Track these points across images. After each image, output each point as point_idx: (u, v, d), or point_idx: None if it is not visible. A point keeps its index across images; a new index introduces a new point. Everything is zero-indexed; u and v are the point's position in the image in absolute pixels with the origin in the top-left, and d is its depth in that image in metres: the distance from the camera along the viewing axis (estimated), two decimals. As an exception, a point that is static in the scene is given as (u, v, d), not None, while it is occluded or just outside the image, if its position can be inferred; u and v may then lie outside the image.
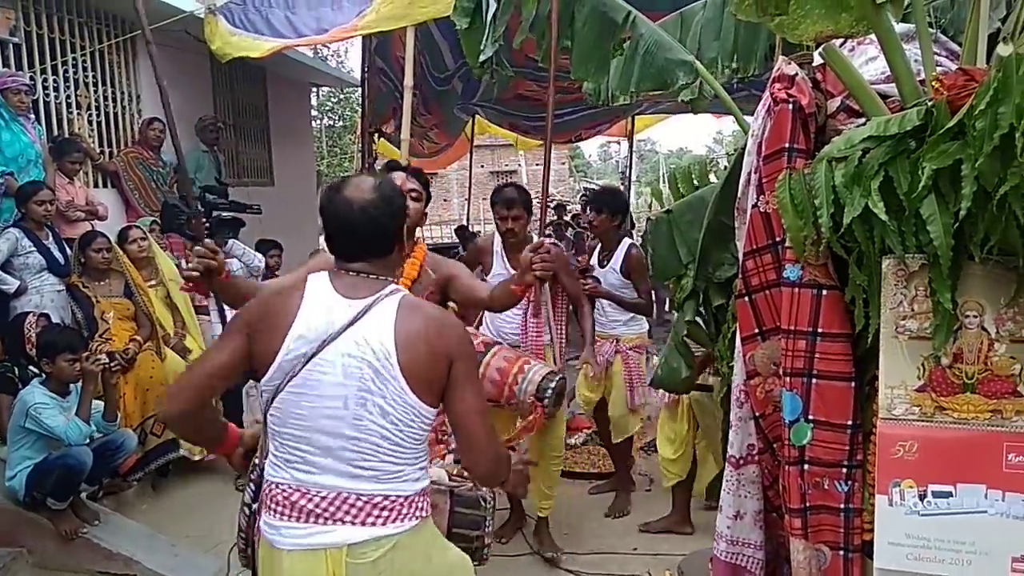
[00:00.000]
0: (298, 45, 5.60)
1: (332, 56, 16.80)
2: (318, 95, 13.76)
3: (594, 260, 4.60)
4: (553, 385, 3.34)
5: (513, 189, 4.03)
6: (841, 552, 1.97)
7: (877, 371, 1.89)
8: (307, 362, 1.68)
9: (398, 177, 2.54)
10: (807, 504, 1.99)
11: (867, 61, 2.20)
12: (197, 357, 1.97)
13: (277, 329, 1.71)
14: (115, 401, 3.98)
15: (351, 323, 1.69)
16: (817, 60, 2.18)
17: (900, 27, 2.05)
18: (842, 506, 1.96)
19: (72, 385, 3.78)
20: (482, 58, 3.26)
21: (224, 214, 5.63)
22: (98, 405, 3.87)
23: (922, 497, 1.82)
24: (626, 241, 4.48)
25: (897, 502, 1.83)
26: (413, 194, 2.53)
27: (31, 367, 4.08)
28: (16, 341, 4.17)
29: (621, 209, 4.58)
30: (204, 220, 5.11)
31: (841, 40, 2.23)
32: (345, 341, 1.68)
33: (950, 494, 1.80)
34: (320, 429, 1.71)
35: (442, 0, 4.49)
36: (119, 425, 4.01)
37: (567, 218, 12.36)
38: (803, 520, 2.00)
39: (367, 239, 1.78)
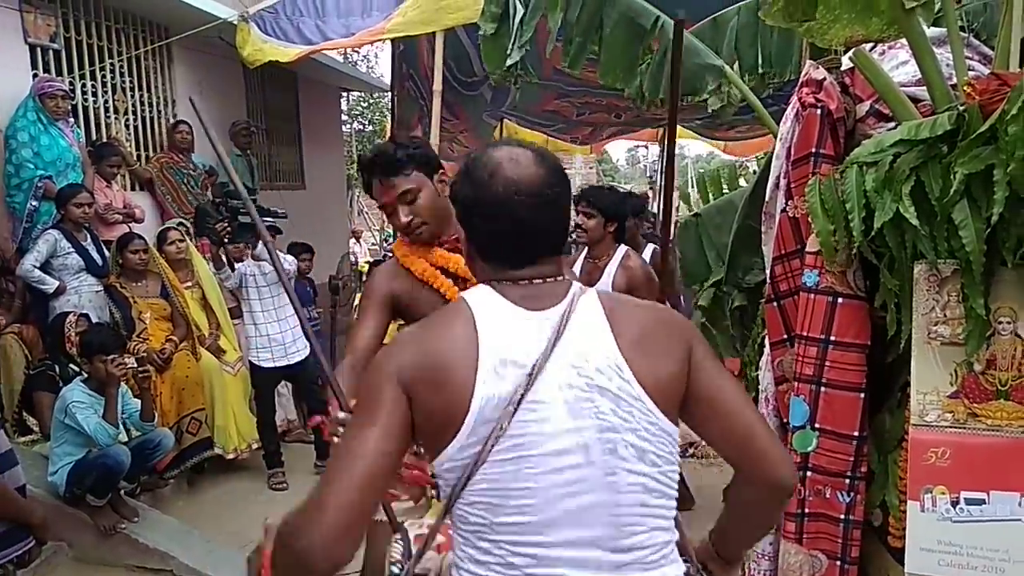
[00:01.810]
0: (326, 49, 5.66)
1: (362, 61, 16.94)
2: (348, 99, 13.87)
3: (576, 273, 3.66)
4: None
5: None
6: (838, 562, 1.97)
7: (908, 377, 1.89)
8: (515, 411, 1.16)
9: (378, 190, 2.22)
10: (805, 510, 2.00)
11: (897, 65, 2.19)
12: (332, 460, 1.23)
13: (453, 379, 1.18)
14: (151, 401, 4.07)
15: (555, 341, 1.21)
16: (846, 64, 2.18)
17: (931, 31, 2.05)
18: (842, 517, 1.97)
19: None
20: (508, 62, 3.28)
21: (245, 219, 5.71)
22: (137, 404, 3.96)
23: (954, 504, 1.82)
24: (620, 250, 3.64)
25: (929, 508, 1.83)
26: (408, 196, 2.12)
27: (71, 366, 4.18)
28: (57, 340, 4.28)
29: (620, 214, 3.66)
30: (227, 225, 5.21)
31: (871, 44, 2.22)
32: (558, 368, 1.19)
33: (983, 501, 1.80)
34: (560, 506, 1.18)
35: (470, 7, 4.52)
36: (156, 424, 4.09)
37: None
38: (797, 525, 2.00)
39: (547, 233, 1.29)
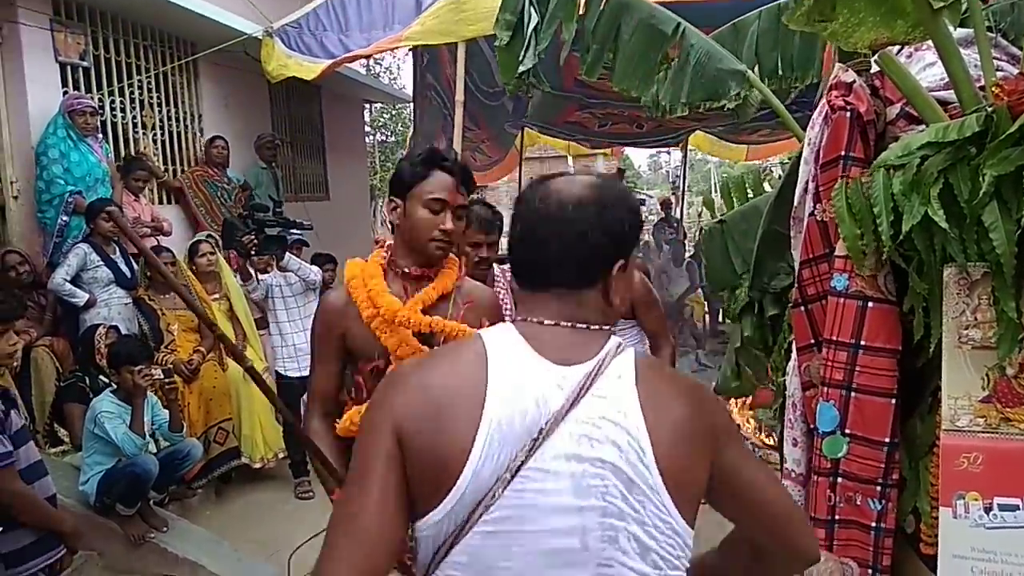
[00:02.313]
0: (346, 60, 5.72)
1: (384, 73, 17.09)
2: (371, 111, 13.98)
3: None
4: None
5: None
6: (869, 570, 1.95)
7: (939, 382, 1.86)
8: (512, 478, 1.03)
9: (444, 183, 2.02)
10: (836, 517, 1.97)
11: (924, 67, 2.17)
12: (332, 527, 1.07)
13: (451, 429, 1.04)
14: (179, 411, 4.11)
15: (573, 404, 1.06)
16: (875, 67, 2.16)
17: (958, 32, 2.02)
18: (874, 524, 1.94)
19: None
20: (521, 69, 3.27)
21: (271, 231, 5.78)
22: (166, 415, 4.01)
23: (988, 510, 1.78)
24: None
25: (961, 515, 1.79)
26: (460, 212, 2.04)
27: (101, 377, 4.24)
28: (87, 352, 4.35)
29: None
30: (252, 237, 5.27)
31: (898, 47, 2.21)
32: (570, 435, 1.04)
33: (1017, 507, 1.76)
34: None
35: (488, 19, 4.54)
36: (184, 434, 4.14)
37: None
38: (828, 532, 1.98)
39: (564, 258, 1.14)
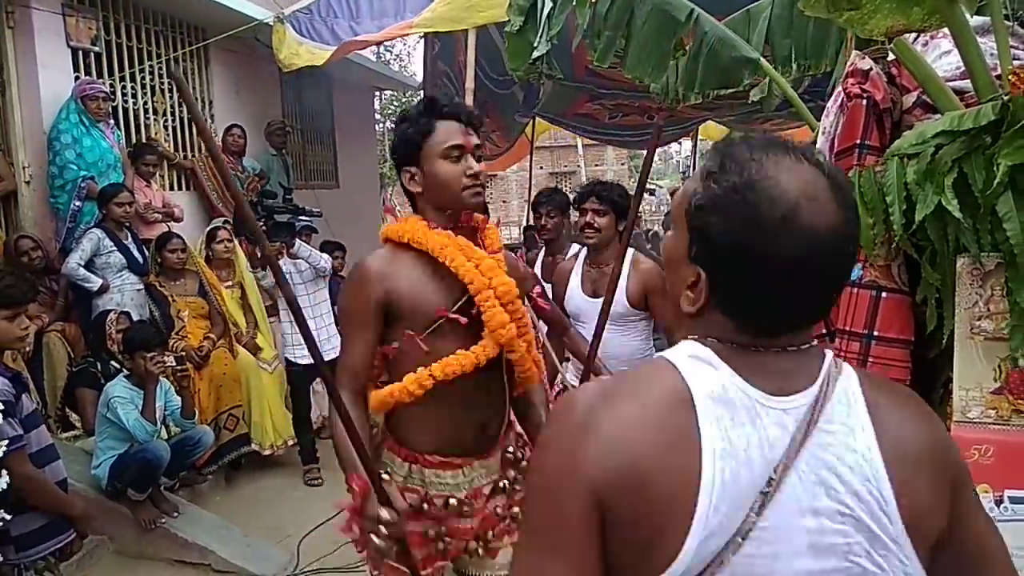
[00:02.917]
0: (356, 47, 5.70)
1: (395, 60, 17.06)
2: (381, 98, 13.97)
3: (575, 285, 3.24)
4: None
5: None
6: None
7: (951, 374, 1.85)
8: (743, 542, 0.85)
9: (453, 129, 1.86)
10: None
11: (940, 56, 2.15)
12: None
13: (664, 496, 0.85)
14: (191, 398, 4.14)
15: (802, 445, 0.88)
16: (893, 54, 2.14)
17: (975, 20, 2.00)
18: None
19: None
20: (535, 54, 3.25)
21: (280, 217, 5.79)
22: (178, 401, 4.04)
23: (998, 502, 1.77)
24: (628, 252, 3.02)
25: (972, 507, 1.79)
26: (479, 152, 1.89)
27: (113, 363, 4.26)
28: (99, 338, 4.37)
29: (626, 210, 3.17)
30: (261, 224, 5.26)
31: (914, 35, 2.18)
32: (802, 484, 0.87)
33: (1029, 500, 1.75)
34: None
35: (500, 5, 4.52)
36: (196, 421, 4.16)
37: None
38: None
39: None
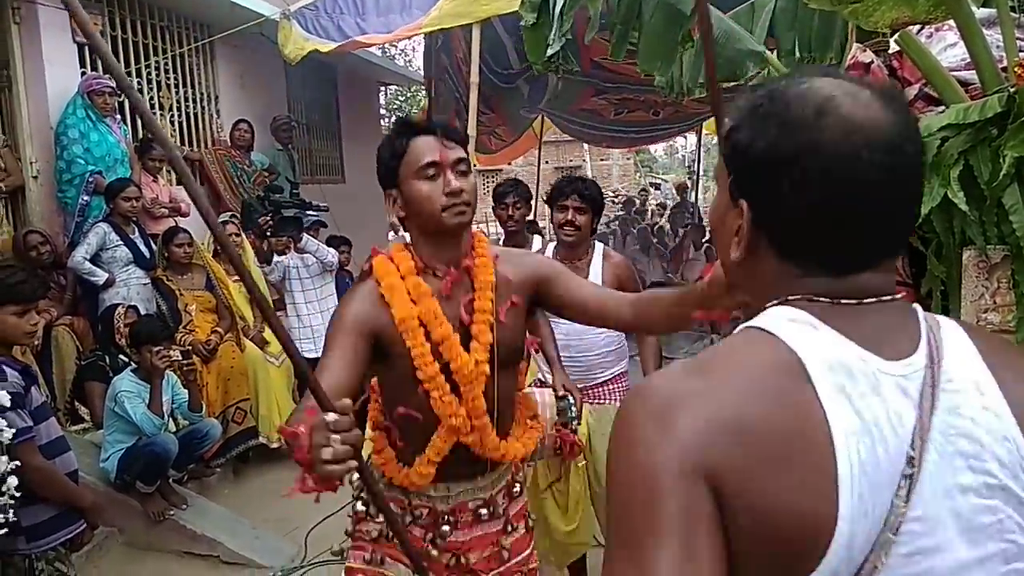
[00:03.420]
0: (366, 45, 5.71)
1: (400, 55, 17.08)
2: (386, 93, 13.98)
3: None
4: (572, 400, 2.79)
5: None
6: None
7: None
8: (895, 536, 0.71)
9: (427, 145, 1.73)
10: None
11: (945, 48, 2.14)
12: None
13: (798, 483, 0.70)
14: (198, 392, 4.16)
15: (931, 412, 0.74)
16: (894, 47, 2.14)
17: (981, 12, 2.00)
18: None
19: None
20: (549, 52, 3.26)
21: (287, 212, 5.82)
22: (186, 395, 4.06)
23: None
24: (597, 246, 3.16)
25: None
26: (462, 167, 1.73)
27: (121, 356, 4.29)
28: (107, 332, 4.40)
29: (602, 208, 3.20)
30: (268, 218, 5.29)
31: (918, 27, 2.18)
32: (940, 460, 0.73)
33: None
34: None
35: (503, -2, 4.53)
36: (204, 414, 4.19)
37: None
38: None
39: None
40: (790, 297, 0.80)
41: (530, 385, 3.15)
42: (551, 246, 3.22)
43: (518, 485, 2.00)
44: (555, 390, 2.77)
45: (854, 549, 0.70)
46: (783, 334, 0.76)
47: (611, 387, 3.14)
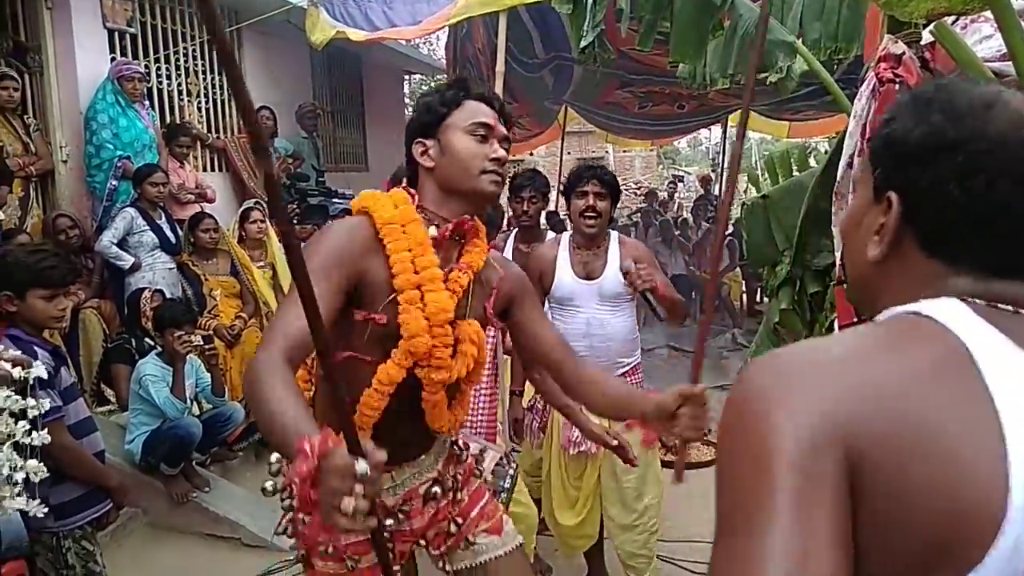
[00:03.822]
0: (395, 38, 5.71)
1: (424, 43, 17.05)
2: (410, 82, 13.99)
3: (565, 269, 3.00)
4: (507, 483, 2.63)
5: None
6: None
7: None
8: None
9: (484, 109, 1.68)
10: None
11: (981, 39, 2.11)
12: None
13: (959, 469, 0.64)
14: (221, 377, 4.20)
15: None
16: (926, 38, 2.11)
17: (1018, 3, 1.96)
18: None
19: (187, 358, 3.99)
20: (583, 43, 3.25)
21: (313, 200, 5.85)
22: (209, 378, 4.11)
23: None
24: (612, 233, 3.07)
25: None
26: (506, 144, 1.71)
27: (147, 339, 4.35)
28: (134, 315, 4.45)
29: (619, 196, 3.12)
30: (295, 206, 5.32)
31: (952, 18, 2.15)
32: None
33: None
34: None
35: (530, -14, 4.51)
36: (227, 398, 4.23)
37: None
38: None
39: None
40: (959, 295, 0.74)
41: (530, 400, 3.17)
42: (565, 236, 3.13)
43: (459, 447, 1.91)
44: (605, 442, 2.65)
45: (1020, 553, 0.62)
46: (945, 319, 0.71)
47: (629, 380, 3.07)
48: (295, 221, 5.47)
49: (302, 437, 1.05)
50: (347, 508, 0.99)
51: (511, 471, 2.65)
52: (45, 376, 2.07)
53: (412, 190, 1.68)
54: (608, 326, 3.00)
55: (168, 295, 4.64)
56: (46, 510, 1.98)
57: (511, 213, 3.73)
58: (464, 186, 1.64)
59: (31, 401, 1.94)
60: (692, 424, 1.61)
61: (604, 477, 3.07)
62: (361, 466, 1.01)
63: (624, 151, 26.06)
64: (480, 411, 2.96)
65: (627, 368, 3.10)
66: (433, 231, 1.63)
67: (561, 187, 3.22)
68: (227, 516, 3.91)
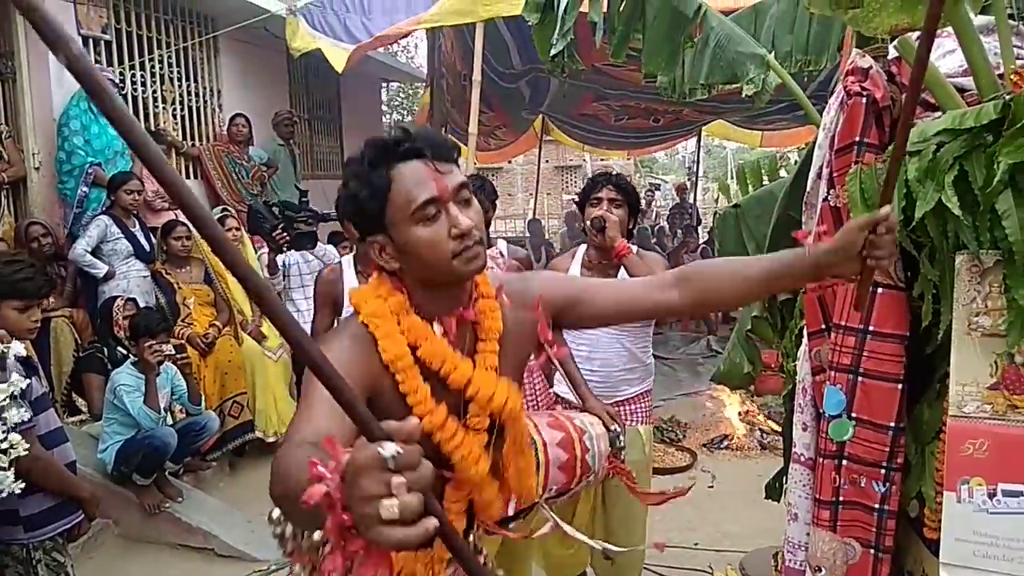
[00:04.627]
0: (369, 47, 5.72)
1: (402, 52, 17.06)
2: (388, 90, 13.97)
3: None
4: (618, 428, 2.52)
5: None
6: (872, 550, 1.97)
7: (947, 369, 1.87)
8: None
9: (417, 176, 1.34)
10: (840, 498, 1.99)
11: (944, 54, 2.16)
12: None
13: None
14: (196, 385, 4.18)
15: None
16: (893, 53, 2.16)
17: (979, 19, 2.02)
18: (877, 506, 1.95)
19: (161, 367, 3.96)
20: (552, 52, 3.27)
21: (303, 227, 5.87)
22: (186, 386, 4.08)
23: (991, 495, 1.80)
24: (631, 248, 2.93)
25: (965, 499, 1.81)
26: (464, 194, 1.38)
27: (120, 348, 4.31)
28: (106, 324, 4.42)
29: (638, 207, 3.01)
30: (284, 233, 5.33)
31: (916, 34, 2.20)
32: None
33: (1021, 493, 1.77)
34: None
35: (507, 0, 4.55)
36: (203, 407, 4.21)
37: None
38: (832, 513, 2.00)
39: None
40: None
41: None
42: (581, 249, 3.00)
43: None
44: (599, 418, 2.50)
45: None
46: None
47: (634, 406, 2.98)
48: (285, 248, 5.47)
49: (312, 463, 0.82)
50: (391, 512, 0.74)
51: (617, 430, 2.45)
52: (23, 353, 2.07)
53: (403, 289, 1.42)
54: (614, 350, 2.89)
55: (142, 303, 4.61)
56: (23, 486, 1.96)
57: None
58: (441, 277, 1.39)
59: (13, 411, 1.93)
60: (886, 248, 1.40)
61: (597, 504, 3.02)
62: (388, 449, 0.76)
63: (601, 159, 26.23)
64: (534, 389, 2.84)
65: (634, 394, 2.98)
66: (439, 330, 1.41)
67: (547, 193, 3.19)
68: (200, 527, 3.89)
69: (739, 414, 5.93)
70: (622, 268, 2.83)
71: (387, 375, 1.34)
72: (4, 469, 2.02)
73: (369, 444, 0.77)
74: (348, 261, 3.04)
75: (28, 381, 2.22)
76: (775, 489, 2.94)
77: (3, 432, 1.98)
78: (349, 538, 0.79)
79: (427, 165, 1.34)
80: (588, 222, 2.84)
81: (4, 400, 1.99)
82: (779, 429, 4.85)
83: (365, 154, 1.37)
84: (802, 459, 2.24)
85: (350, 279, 2.94)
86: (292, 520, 1.08)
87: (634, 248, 2.87)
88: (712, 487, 4.80)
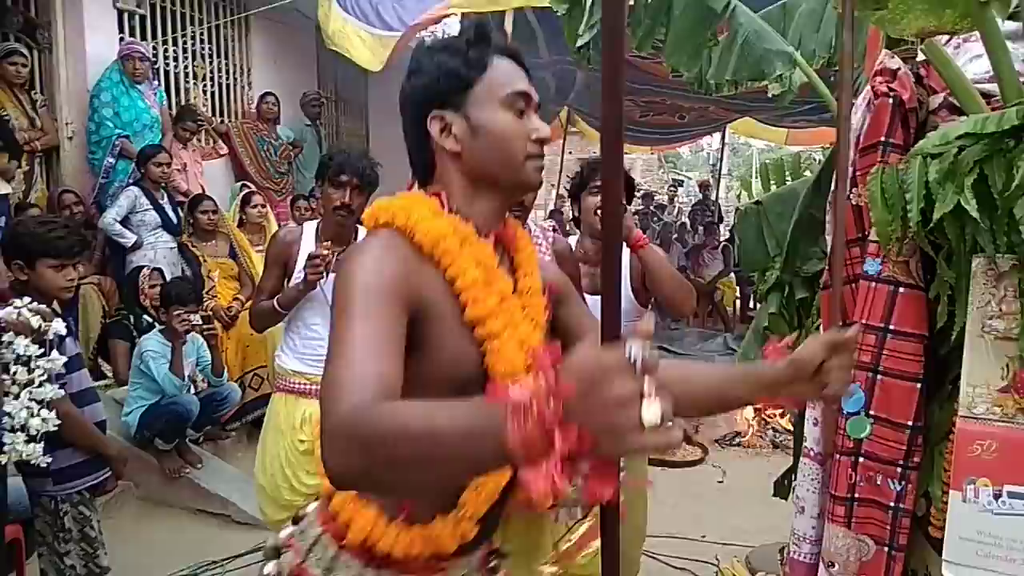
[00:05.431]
0: (404, 43, 5.73)
1: (428, 35, 17.11)
2: (415, 74, 14.00)
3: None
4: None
5: None
6: (886, 548, 1.99)
7: (960, 370, 1.89)
8: None
9: (516, 72, 1.27)
10: (855, 495, 2.01)
11: (971, 59, 2.17)
12: None
13: None
14: (219, 356, 4.26)
15: None
16: (922, 56, 2.17)
17: (1007, 26, 2.02)
18: (892, 504, 1.97)
19: (188, 337, 4.04)
20: (579, 43, 3.29)
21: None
22: (211, 357, 4.17)
23: (997, 496, 1.82)
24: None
25: (971, 499, 1.83)
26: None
27: (145, 316, 4.40)
28: (133, 292, 4.51)
29: (634, 193, 2.79)
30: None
31: (947, 37, 2.21)
32: None
33: (1026, 495, 1.80)
34: None
35: (534, -11, 4.56)
36: (225, 378, 4.29)
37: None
38: (847, 509, 2.02)
39: None
40: None
41: None
42: (573, 239, 2.94)
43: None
44: None
45: None
46: None
47: None
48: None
49: (516, 385, 0.73)
50: (654, 416, 0.67)
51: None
52: (64, 332, 2.14)
53: (439, 192, 1.29)
54: None
55: (168, 274, 4.69)
56: (50, 460, 2.05)
57: (324, 201, 3.03)
58: (504, 177, 1.25)
59: (55, 354, 2.01)
60: (842, 377, 1.28)
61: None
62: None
63: (625, 153, 26.07)
64: None
65: None
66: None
67: (566, 189, 3.06)
68: (217, 493, 3.98)
69: (753, 411, 5.94)
70: (624, 263, 2.66)
71: (436, 290, 1.17)
72: (35, 441, 2.10)
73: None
74: (310, 226, 2.95)
75: (64, 338, 2.29)
76: (783, 487, 2.96)
77: (37, 408, 2.06)
78: (580, 457, 0.70)
79: (524, 69, 1.28)
80: (596, 212, 2.70)
81: (43, 376, 2.06)
82: (789, 426, 4.88)
83: (466, 32, 1.29)
84: (812, 454, 2.27)
85: (308, 244, 2.82)
86: (409, 481, 0.87)
87: None
88: (722, 482, 4.83)
